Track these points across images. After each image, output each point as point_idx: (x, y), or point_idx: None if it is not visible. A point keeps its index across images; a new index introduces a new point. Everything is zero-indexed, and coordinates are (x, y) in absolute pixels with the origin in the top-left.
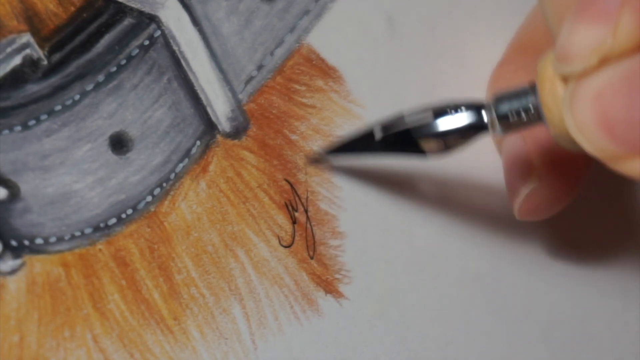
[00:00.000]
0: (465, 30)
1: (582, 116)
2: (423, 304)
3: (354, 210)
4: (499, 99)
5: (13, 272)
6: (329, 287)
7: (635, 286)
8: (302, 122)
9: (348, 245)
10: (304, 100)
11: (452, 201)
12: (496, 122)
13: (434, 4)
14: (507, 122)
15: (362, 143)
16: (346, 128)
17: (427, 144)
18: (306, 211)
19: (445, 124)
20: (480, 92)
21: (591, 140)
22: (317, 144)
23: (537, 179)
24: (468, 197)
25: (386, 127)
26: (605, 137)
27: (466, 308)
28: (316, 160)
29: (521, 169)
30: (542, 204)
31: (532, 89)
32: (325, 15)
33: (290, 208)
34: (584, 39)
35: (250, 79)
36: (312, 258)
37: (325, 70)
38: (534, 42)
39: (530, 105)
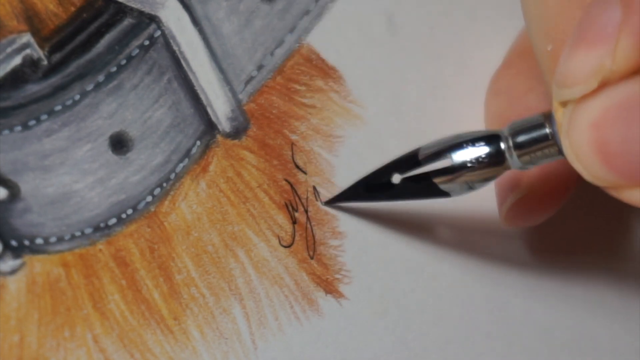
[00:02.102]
0: (465, 31)
1: (579, 144)
2: (423, 304)
3: (354, 210)
4: (515, 132)
5: (13, 272)
6: (329, 287)
7: (635, 287)
8: (302, 122)
9: (348, 245)
10: (304, 100)
11: (452, 201)
12: (513, 152)
13: (434, 4)
14: (525, 153)
15: (379, 188)
16: (346, 128)
17: (447, 184)
18: (306, 211)
19: (462, 156)
20: (480, 92)
21: (588, 168)
22: (317, 144)
23: (525, 188)
24: (468, 197)
25: (402, 168)
26: (602, 166)
27: (466, 308)
28: (330, 204)
29: (511, 180)
30: (527, 213)
31: (547, 120)
32: (325, 15)
33: (290, 208)
34: (583, 62)
35: (250, 79)
36: (312, 258)
37: (325, 70)
38: None
39: (548, 135)
